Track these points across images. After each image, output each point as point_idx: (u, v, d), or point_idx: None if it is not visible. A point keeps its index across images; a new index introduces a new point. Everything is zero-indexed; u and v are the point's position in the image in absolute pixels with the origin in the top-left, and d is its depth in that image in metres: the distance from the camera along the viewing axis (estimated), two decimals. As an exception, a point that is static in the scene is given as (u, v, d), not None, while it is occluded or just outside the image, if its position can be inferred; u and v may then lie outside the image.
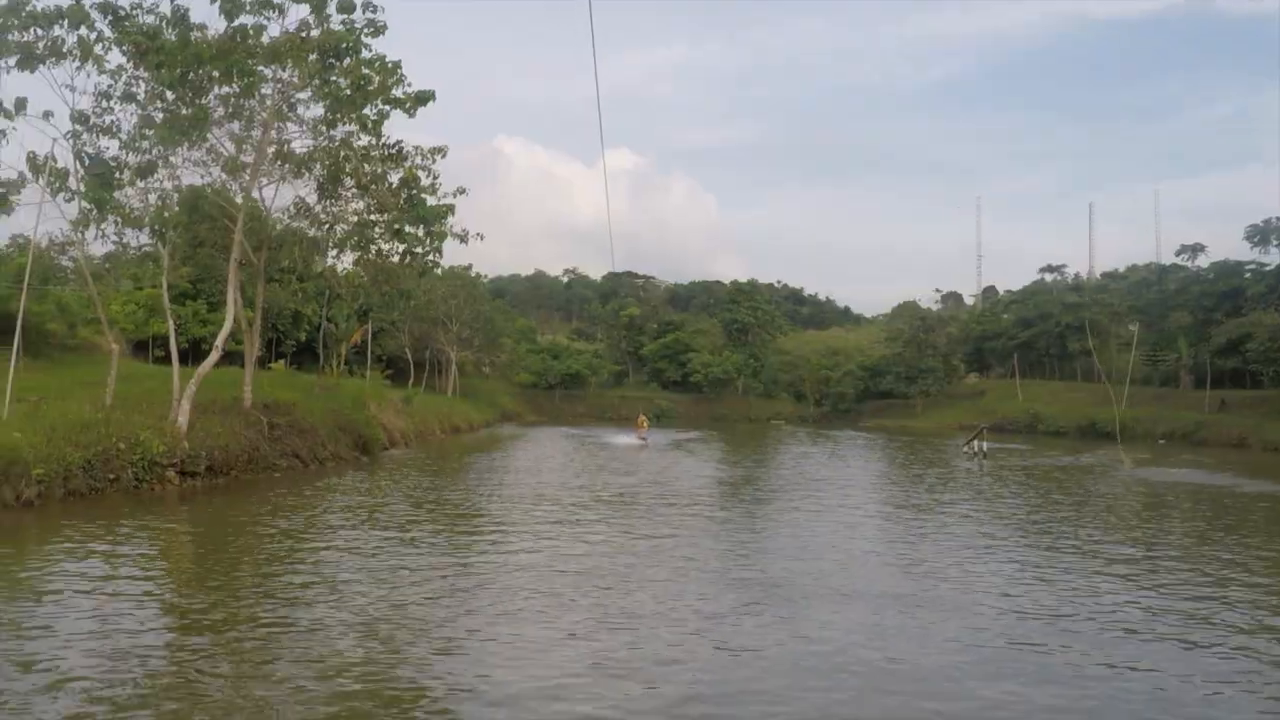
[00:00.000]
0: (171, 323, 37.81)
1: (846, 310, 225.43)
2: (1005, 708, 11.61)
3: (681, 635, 14.49)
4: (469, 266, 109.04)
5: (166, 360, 38.68)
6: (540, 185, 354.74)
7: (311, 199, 38.09)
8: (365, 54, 34.01)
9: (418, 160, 36.87)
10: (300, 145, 36.64)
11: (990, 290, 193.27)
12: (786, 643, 14.19)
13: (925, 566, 20.62)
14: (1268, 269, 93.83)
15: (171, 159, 35.02)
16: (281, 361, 74.75)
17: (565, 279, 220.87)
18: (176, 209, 37.44)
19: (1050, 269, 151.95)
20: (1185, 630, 15.42)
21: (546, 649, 13.74)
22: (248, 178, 36.07)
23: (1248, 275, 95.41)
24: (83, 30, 30.54)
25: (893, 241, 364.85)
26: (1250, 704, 12.06)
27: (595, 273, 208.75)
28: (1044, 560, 21.73)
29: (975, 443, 59.19)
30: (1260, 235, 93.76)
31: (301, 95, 35.25)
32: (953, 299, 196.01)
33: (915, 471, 48.67)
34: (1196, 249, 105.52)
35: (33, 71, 30.31)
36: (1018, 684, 12.44)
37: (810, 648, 13.91)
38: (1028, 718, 11.33)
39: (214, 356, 35.23)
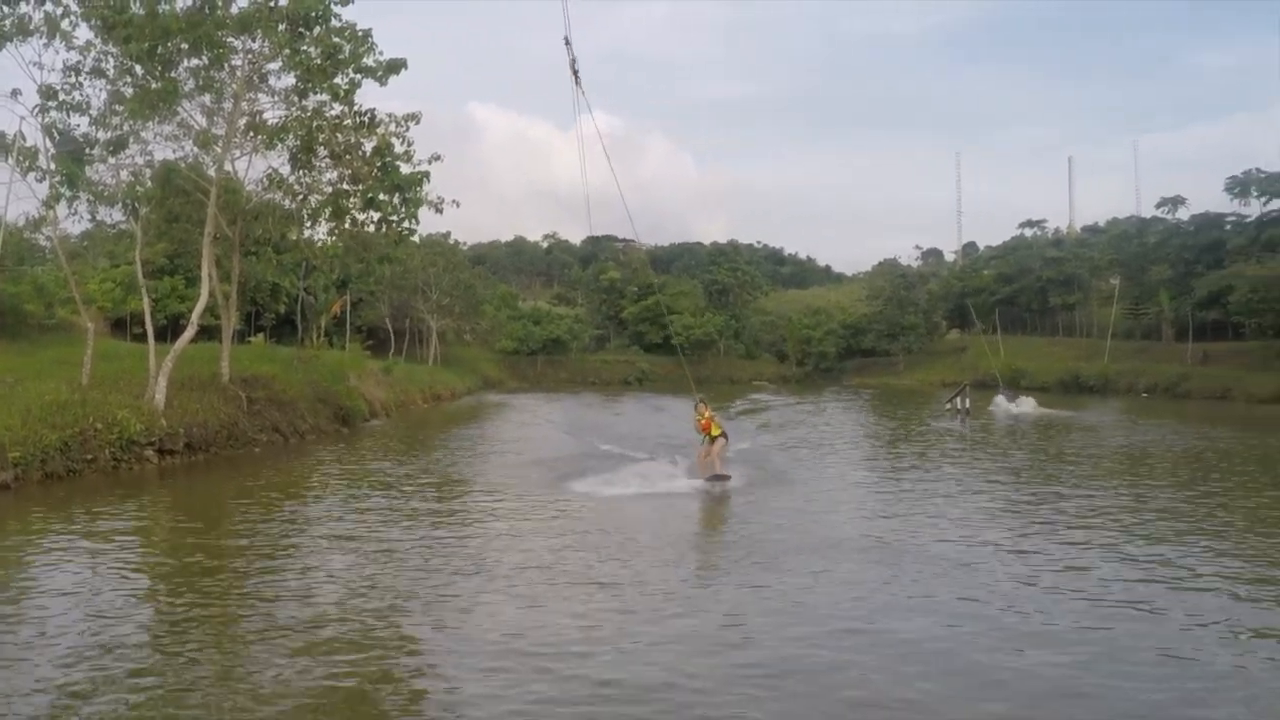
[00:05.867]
0: (147, 299, 37.52)
1: (827, 269, 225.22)
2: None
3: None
4: (448, 234, 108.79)
5: (145, 338, 38.39)
6: (517, 151, 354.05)
7: (285, 170, 37.76)
8: (335, 23, 33.73)
9: (391, 128, 36.58)
10: (272, 116, 36.29)
11: (971, 246, 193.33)
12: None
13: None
14: (1248, 220, 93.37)
15: (142, 134, 34.65)
16: (261, 335, 74.28)
17: (545, 244, 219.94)
18: (149, 184, 37.09)
19: (1030, 224, 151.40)
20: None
21: (533, 615, 13.69)
22: (220, 150, 35.73)
23: (1228, 227, 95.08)
24: (49, 6, 30.23)
25: (873, 199, 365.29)
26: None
27: (575, 237, 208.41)
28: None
29: (958, 400, 59.08)
30: (1240, 187, 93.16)
31: (272, 66, 34.87)
32: (933, 256, 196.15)
33: (898, 431, 48.70)
34: (1177, 202, 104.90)
35: (-1, 50, 30.00)
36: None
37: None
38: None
39: (190, 332, 34.95)
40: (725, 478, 26.90)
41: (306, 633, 12.97)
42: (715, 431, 28.31)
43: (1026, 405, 62.26)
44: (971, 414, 55.91)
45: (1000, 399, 63.69)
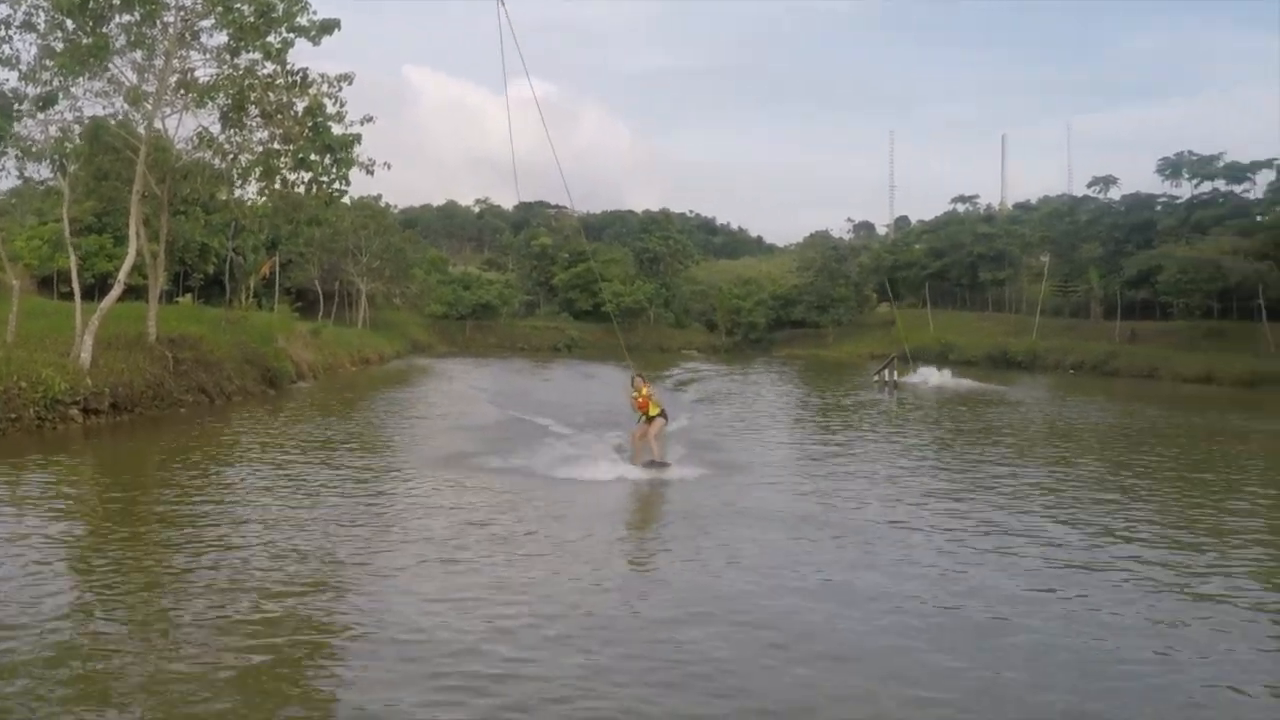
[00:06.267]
0: (74, 257, 37.09)
1: (759, 240, 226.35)
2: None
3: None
4: (379, 197, 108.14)
5: (71, 296, 37.94)
6: (453, 116, 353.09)
7: (215, 129, 37.32)
8: (269, -20, 33.41)
9: (323, 88, 36.21)
10: (203, 74, 35.82)
11: (902, 220, 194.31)
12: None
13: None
14: (1178, 202, 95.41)
15: (72, 89, 34.15)
16: (189, 295, 73.74)
17: (477, 209, 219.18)
18: (78, 141, 36.62)
19: (962, 199, 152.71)
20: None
21: (455, 581, 13.76)
22: (150, 108, 35.26)
23: (1159, 208, 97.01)
24: (-22, -43, 29.80)
25: (806, 172, 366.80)
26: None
27: (507, 203, 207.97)
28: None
29: (885, 372, 59.47)
30: (1172, 168, 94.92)
31: (204, 23, 34.43)
32: (865, 229, 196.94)
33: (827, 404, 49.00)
34: (1108, 181, 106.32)
35: (-76, 1, 29.50)
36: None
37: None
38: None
39: (116, 291, 34.57)
40: (664, 465, 24.25)
41: (227, 600, 12.81)
42: (654, 410, 24.90)
43: (936, 377, 63.56)
44: (899, 387, 56.39)
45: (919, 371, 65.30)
